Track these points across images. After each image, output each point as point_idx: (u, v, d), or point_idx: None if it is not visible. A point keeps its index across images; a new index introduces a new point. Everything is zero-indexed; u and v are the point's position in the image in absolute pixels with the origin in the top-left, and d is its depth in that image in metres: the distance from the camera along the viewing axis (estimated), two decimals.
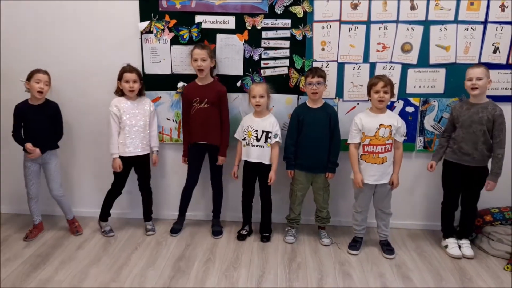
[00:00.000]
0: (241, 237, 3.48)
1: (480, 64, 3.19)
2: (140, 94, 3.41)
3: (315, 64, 3.40)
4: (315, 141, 3.28)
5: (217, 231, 3.54)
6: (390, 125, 3.13)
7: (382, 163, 3.16)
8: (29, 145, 3.23)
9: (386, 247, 3.29)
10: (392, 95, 3.15)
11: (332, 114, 3.29)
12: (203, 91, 3.35)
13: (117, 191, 3.52)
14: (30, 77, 3.23)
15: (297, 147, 3.33)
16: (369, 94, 3.20)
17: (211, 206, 3.64)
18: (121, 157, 3.37)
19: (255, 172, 3.41)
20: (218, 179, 3.55)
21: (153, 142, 3.49)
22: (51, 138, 3.39)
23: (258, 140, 3.31)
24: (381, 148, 3.15)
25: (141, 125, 3.39)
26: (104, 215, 3.56)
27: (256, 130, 3.31)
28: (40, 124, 3.30)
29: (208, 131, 3.40)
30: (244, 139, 3.38)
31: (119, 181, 3.48)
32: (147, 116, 3.41)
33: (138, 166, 3.49)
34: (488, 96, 3.16)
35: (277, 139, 3.30)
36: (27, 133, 3.31)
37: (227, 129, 3.45)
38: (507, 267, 3.08)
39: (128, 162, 3.42)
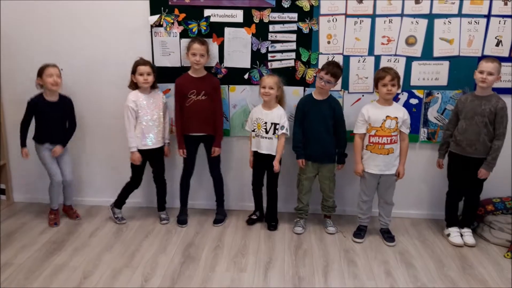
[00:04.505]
0: (250, 221, 3.60)
1: (495, 58, 3.17)
2: (153, 87, 3.47)
3: (321, 57, 3.48)
4: (319, 132, 3.36)
5: (218, 219, 3.64)
6: (396, 117, 3.20)
7: (387, 154, 3.23)
8: (24, 152, 3.42)
9: (387, 235, 3.38)
10: (398, 87, 3.22)
11: (336, 107, 3.36)
12: (199, 83, 3.42)
13: (135, 184, 3.61)
14: (41, 73, 3.32)
15: (303, 138, 3.42)
16: (376, 87, 3.25)
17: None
18: (139, 150, 3.45)
19: (264, 163, 3.49)
20: (217, 169, 3.64)
21: (165, 134, 3.57)
22: (65, 133, 3.54)
23: (267, 132, 3.39)
24: (387, 139, 3.22)
25: (156, 119, 3.46)
26: (120, 203, 3.65)
27: (265, 122, 3.39)
28: (55, 120, 3.45)
29: (206, 123, 3.47)
30: (253, 130, 3.47)
31: (137, 174, 3.57)
32: (161, 110, 3.48)
33: (153, 159, 3.57)
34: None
35: (284, 130, 3.37)
36: (42, 128, 3.44)
37: (221, 121, 3.53)
38: (507, 255, 3.16)
39: (144, 155, 3.49)
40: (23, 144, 3.42)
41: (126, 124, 3.39)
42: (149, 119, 3.42)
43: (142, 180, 3.64)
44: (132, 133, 3.40)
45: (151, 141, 3.45)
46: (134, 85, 3.42)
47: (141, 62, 3.36)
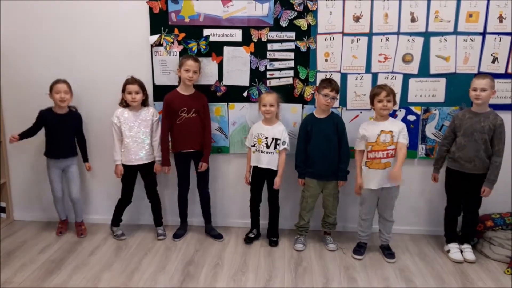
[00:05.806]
0: (248, 240, 3.59)
1: (486, 74, 3.23)
2: (144, 104, 3.52)
3: (319, 75, 3.52)
4: (323, 150, 3.38)
5: (217, 235, 3.66)
6: (391, 131, 3.22)
7: (385, 168, 3.24)
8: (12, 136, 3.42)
9: (387, 251, 3.38)
10: (394, 103, 3.25)
11: (339, 123, 3.39)
12: (190, 101, 3.46)
13: (126, 199, 3.64)
14: (51, 89, 3.43)
15: (307, 156, 3.44)
16: (372, 103, 3.29)
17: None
18: (126, 165, 3.50)
19: (263, 178, 3.52)
20: (205, 187, 3.66)
21: (155, 152, 3.56)
22: (72, 145, 3.60)
23: (268, 147, 3.42)
24: (383, 154, 3.23)
25: (141, 136, 3.48)
26: (116, 221, 3.69)
27: (266, 138, 3.42)
28: (63, 133, 3.52)
29: (197, 139, 3.52)
30: (253, 145, 3.49)
31: (126, 188, 3.61)
32: (148, 127, 3.50)
33: (143, 174, 3.60)
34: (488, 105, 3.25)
35: (285, 146, 3.42)
36: (51, 140, 3.52)
37: (209, 137, 3.57)
38: (508, 271, 3.15)
39: (133, 169, 3.54)
40: (20, 134, 3.46)
41: (113, 138, 3.49)
42: (132, 136, 3.47)
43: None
44: (117, 147, 3.49)
45: (136, 157, 3.49)
46: (124, 103, 3.48)
47: (130, 80, 3.42)
